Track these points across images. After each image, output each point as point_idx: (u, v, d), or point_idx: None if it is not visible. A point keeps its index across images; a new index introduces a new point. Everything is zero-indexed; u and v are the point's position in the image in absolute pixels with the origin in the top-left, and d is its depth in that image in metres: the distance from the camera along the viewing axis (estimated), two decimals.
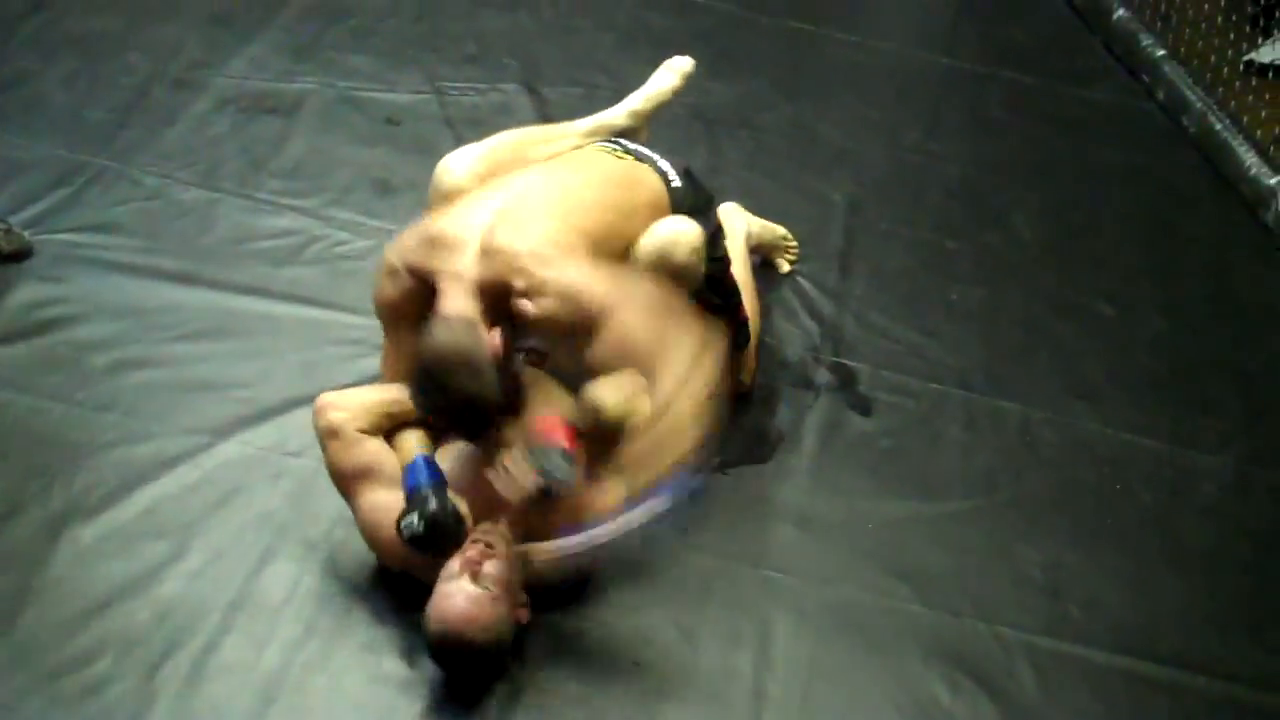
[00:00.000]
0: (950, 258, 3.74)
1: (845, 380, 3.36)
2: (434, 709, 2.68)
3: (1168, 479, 3.25)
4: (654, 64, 4.22)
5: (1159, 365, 3.54)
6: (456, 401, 2.64)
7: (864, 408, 3.30)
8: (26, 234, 3.45)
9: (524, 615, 2.71)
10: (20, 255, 3.42)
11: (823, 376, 3.37)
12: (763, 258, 3.58)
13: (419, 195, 3.74)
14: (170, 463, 3.03)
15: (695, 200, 3.03)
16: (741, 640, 2.84)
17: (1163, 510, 3.18)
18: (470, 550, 2.66)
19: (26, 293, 3.39)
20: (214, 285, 3.46)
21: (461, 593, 2.61)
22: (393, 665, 2.73)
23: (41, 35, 4.13)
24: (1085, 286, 3.71)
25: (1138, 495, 3.21)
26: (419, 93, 4.08)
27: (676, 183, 3.02)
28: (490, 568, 2.63)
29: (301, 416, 3.08)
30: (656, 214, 2.94)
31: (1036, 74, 4.41)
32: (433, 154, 3.84)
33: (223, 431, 3.07)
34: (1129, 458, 3.27)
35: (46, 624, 2.76)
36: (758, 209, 3.79)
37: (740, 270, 3.20)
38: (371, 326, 3.32)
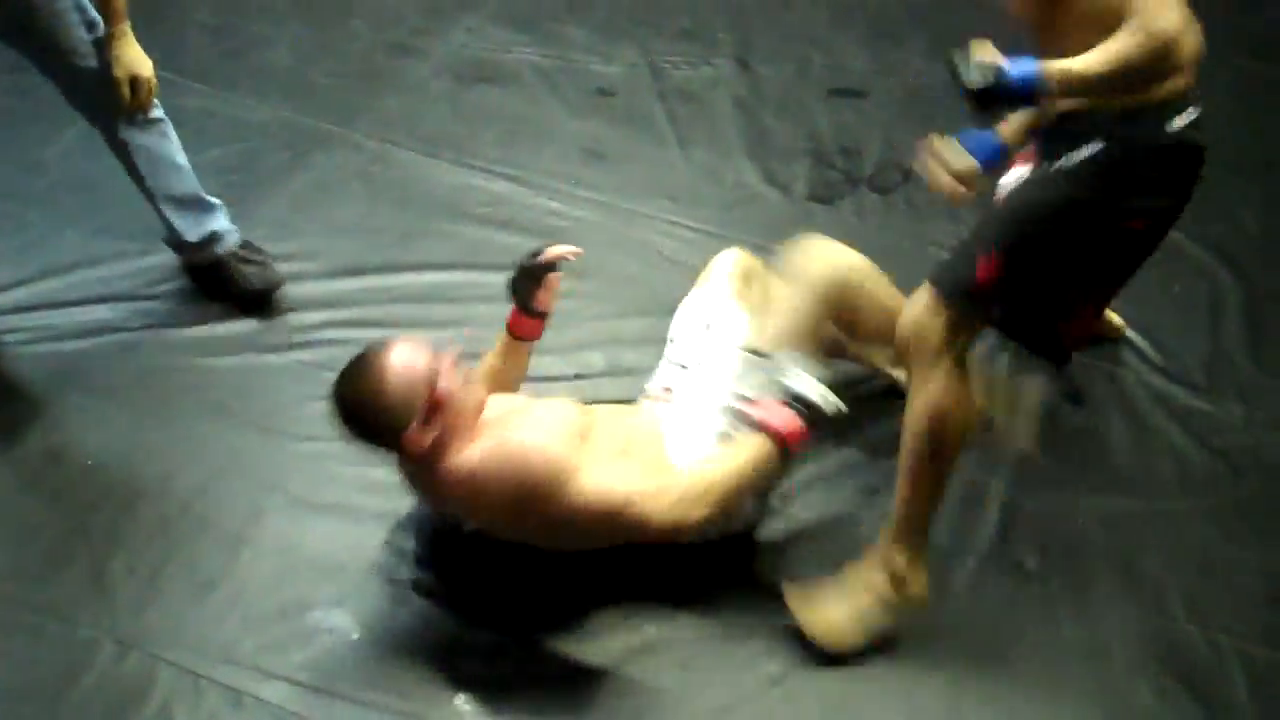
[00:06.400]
0: (1171, 249, 3.59)
1: (1060, 370, 3.26)
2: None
3: None
4: (867, 42, 4.21)
5: None
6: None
7: (1078, 399, 3.21)
8: (281, 269, 3.39)
9: (420, 435, 2.61)
10: (268, 293, 3.36)
11: (1035, 365, 3.29)
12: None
13: (630, 166, 3.79)
14: None
15: None
16: (940, 628, 2.80)
17: None
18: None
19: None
20: (429, 250, 3.53)
21: (426, 354, 2.63)
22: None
23: (274, 2, 4.25)
24: None
25: None
26: (632, 65, 4.09)
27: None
28: (452, 381, 2.62)
29: None
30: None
31: (1271, 62, 4.22)
32: (644, 126, 3.90)
33: None
34: None
35: (260, 572, 2.87)
36: None
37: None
38: (581, 295, 3.37)
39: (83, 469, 3.03)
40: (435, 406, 2.61)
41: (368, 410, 2.63)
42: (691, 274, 3.47)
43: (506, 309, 3.35)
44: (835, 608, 2.74)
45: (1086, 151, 2.58)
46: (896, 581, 2.73)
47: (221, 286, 3.34)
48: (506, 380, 2.96)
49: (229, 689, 2.68)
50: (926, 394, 2.64)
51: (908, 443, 2.68)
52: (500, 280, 3.42)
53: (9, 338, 3.26)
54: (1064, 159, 2.60)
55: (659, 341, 3.29)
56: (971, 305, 2.62)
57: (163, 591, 2.82)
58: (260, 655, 2.73)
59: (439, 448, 2.65)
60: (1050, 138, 2.67)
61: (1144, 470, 3.09)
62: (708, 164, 3.80)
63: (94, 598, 2.81)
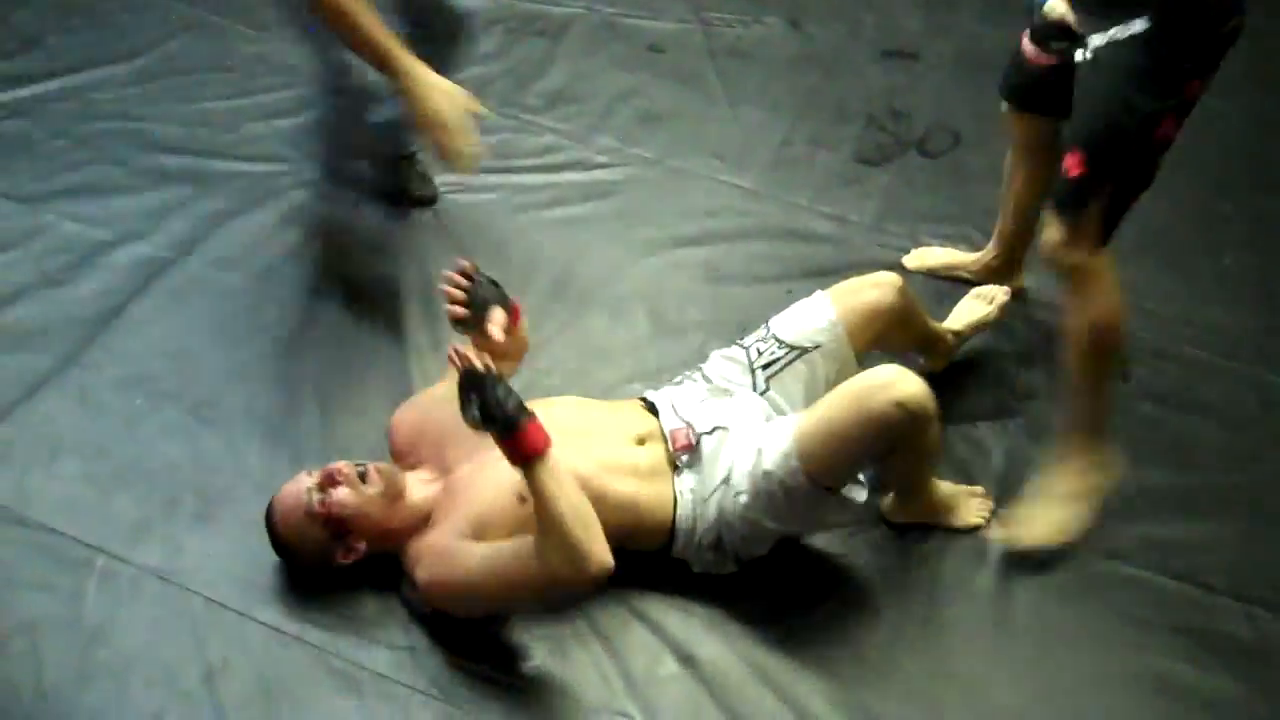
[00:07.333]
0: (1224, 220, 3.58)
1: None
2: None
3: None
4: (920, 4, 4.16)
5: None
6: None
7: (1123, 371, 3.20)
8: (437, 182, 3.49)
9: (346, 557, 2.65)
10: (427, 200, 3.49)
11: None
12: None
13: (679, 123, 3.77)
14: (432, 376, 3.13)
15: None
16: (979, 599, 2.80)
17: None
18: (342, 466, 2.66)
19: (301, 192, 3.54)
20: (476, 198, 3.53)
21: (294, 493, 2.65)
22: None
23: None
24: None
25: None
26: (683, 22, 4.07)
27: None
28: (341, 495, 2.62)
29: (557, 335, 3.16)
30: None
31: None
32: (694, 84, 3.89)
33: None
34: None
35: None
36: None
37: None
38: (627, 249, 3.38)
39: (142, 404, 3.06)
40: (339, 526, 2.63)
41: (295, 561, 2.72)
42: (737, 233, 3.49)
43: (550, 264, 3.37)
44: (1046, 514, 2.89)
45: (1133, 28, 2.55)
46: (1098, 471, 2.88)
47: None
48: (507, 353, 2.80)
49: (273, 629, 2.70)
50: (1078, 306, 2.76)
51: (1072, 351, 2.81)
52: (548, 232, 3.45)
53: None
54: (1112, 31, 2.58)
55: (701, 298, 3.31)
56: (1076, 203, 2.67)
57: (210, 530, 2.84)
58: (305, 596, 2.75)
59: (382, 543, 2.68)
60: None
61: (1185, 443, 3.08)
62: (757, 123, 3.78)
63: (142, 534, 2.83)
